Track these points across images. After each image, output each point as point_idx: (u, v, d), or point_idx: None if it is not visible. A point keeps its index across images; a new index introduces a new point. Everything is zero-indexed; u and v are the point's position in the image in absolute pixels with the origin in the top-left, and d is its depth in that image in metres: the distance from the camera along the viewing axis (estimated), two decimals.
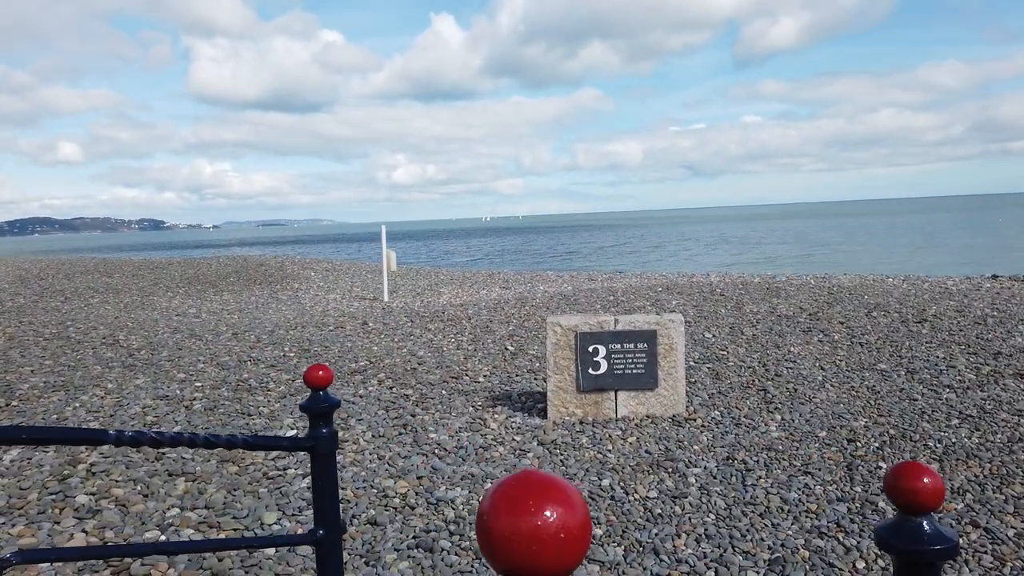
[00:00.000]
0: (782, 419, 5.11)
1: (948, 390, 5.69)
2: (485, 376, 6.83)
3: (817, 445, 4.56)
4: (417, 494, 4.19)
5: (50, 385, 7.26)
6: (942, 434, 4.73)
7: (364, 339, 9.14)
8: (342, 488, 4.39)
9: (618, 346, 5.24)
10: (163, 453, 5.16)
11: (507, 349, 8.05)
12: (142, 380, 7.35)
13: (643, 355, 5.24)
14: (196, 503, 4.24)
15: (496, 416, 5.55)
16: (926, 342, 7.43)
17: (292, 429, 5.57)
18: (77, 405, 6.48)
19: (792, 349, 7.29)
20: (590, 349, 5.25)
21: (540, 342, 8.35)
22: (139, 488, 4.53)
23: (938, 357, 6.79)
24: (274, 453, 5.01)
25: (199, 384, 7.09)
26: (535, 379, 6.61)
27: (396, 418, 5.68)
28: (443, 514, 3.89)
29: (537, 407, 5.71)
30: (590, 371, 5.26)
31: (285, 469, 4.72)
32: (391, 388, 6.61)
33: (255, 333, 9.98)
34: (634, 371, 5.25)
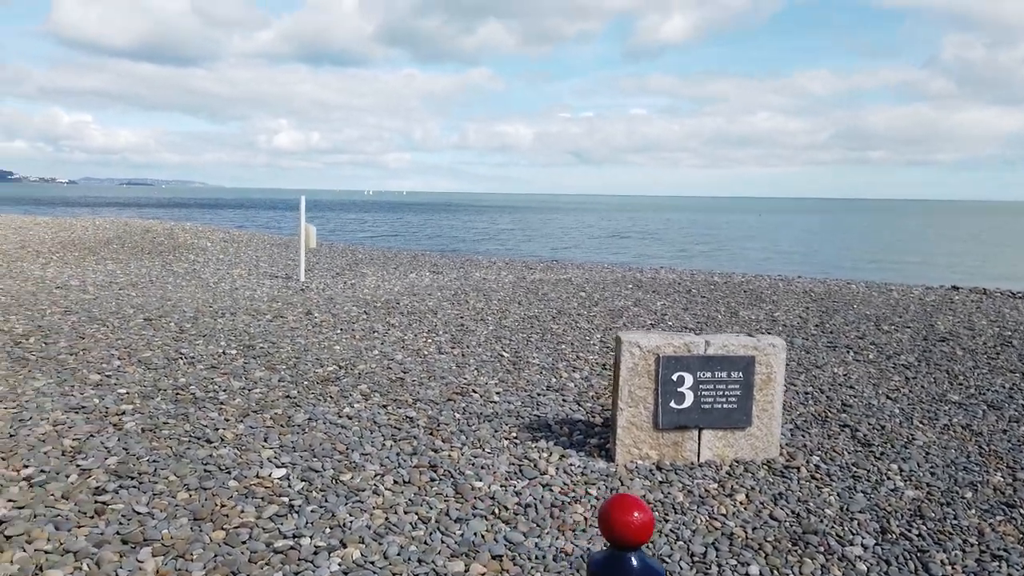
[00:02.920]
0: (899, 469, 4.32)
1: None
2: (499, 394, 5.68)
3: (973, 511, 3.78)
4: None
5: None
6: None
7: (316, 335, 7.71)
8: (378, 569, 3.16)
9: (708, 374, 4.26)
10: (105, 501, 3.71)
11: (502, 356, 6.91)
12: (42, 382, 5.67)
13: (737, 386, 4.29)
14: None
15: (544, 454, 4.44)
16: (971, 366, 6.98)
17: (279, 467, 4.22)
18: None
19: (835, 371, 6.60)
20: (674, 377, 4.24)
21: (537, 348, 7.25)
22: (82, 569, 3.11)
23: (1000, 385, 6.30)
24: (269, 509, 3.69)
25: (123, 392, 5.52)
26: (563, 401, 5.53)
27: (412, 453, 4.45)
28: None
29: (588, 443, 4.65)
30: (672, 404, 4.26)
31: (296, 537, 3.42)
32: (385, 407, 5.34)
33: (173, 319, 8.28)
34: (725, 405, 4.29)
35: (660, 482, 4.08)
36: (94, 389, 5.55)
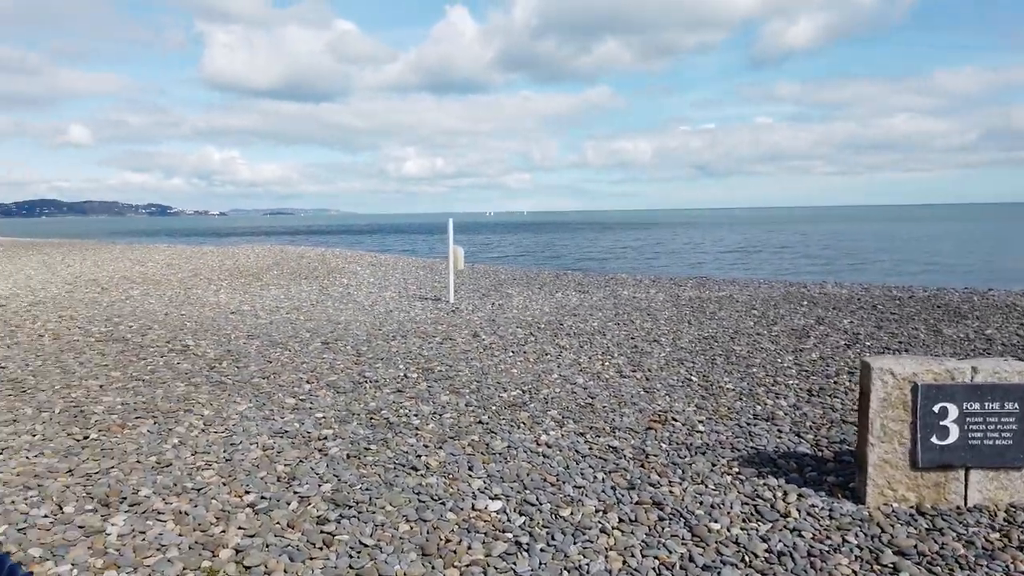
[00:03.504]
0: None
1: None
2: (702, 423, 5.29)
3: None
4: None
5: (130, 408, 5.75)
6: None
7: (489, 357, 7.60)
8: None
9: (976, 405, 3.70)
10: (331, 532, 3.64)
11: (691, 380, 6.51)
12: (244, 406, 5.84)
13: (1011, 419, 3.70)
14: None
15: (778, 493, 4.02)
16: None
17: (493, 499, 4.04)
18: (176, 441, 4.97)
19: None
20: (936, 409, 3.71)
21: (725, 371, 6.79)
22: None
23: None
24: (497, 546, 3.49)
25: (320, 416, 5.57)
26: (779, 432, 5.06)
27: (630, 488, 4.15)
28: None
29: (825, 480, 4.17)
30: (934, 439, 3.72)
31: None
32: (582, 435, 5.07)
33: (348, 343, 8.45)
34: (997, 441, 3.71)
35: (927, 529, 3.55)
36: (292, 413, 5.65)
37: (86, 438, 5.03)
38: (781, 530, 3.58)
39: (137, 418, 5.48)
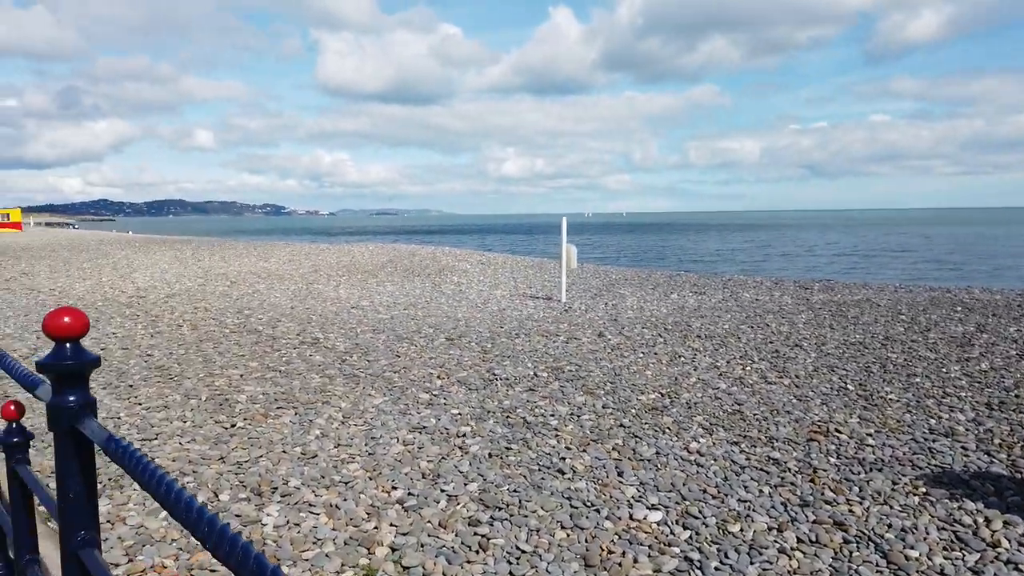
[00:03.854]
0: None
1: None
2: (870, 436, 4.81)
3: None
4: None
5: (270, 398, 5.83)
6: None
7: (619, 358, 7.32)
8: None
9: None
10: (485, 535, 3.47)
11: (846, 388, 5.99)
12: (379, 399, 5.81)
13: None
14: None
15: (978, 518, 3.55)
16: None
17: (651, 508, 3.77)
18: (318, 433, 4.97)
19: None
20: None
21: (883, 380, 6.22)
22: None
23: None
24: (667, 561, 3.22)
25: (456, 412, 5.46)
26: (964, 450, 4.52)
27: (803, 505, 3.77)
28: None
29: None
30: None
31: None
32: (736, 444, 4.72)
33: (472, 339, 8.37)
34: None
35: None
36: (427, 408, 5.57)
37: (233, 426, 5.12)
38: (993, 561, 3.14)
39: (279, 408, 5.54)
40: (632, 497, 3.92)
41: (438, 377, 6.53)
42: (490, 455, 4.57)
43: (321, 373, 6.68)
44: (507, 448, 4.69)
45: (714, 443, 4.74)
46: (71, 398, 1.31)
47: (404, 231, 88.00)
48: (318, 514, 3.72)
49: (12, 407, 1.91)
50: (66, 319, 1.29)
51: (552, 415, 5.38)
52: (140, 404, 5.68)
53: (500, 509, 3.78)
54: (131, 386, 6.24)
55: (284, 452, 4.62)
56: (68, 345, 1.30)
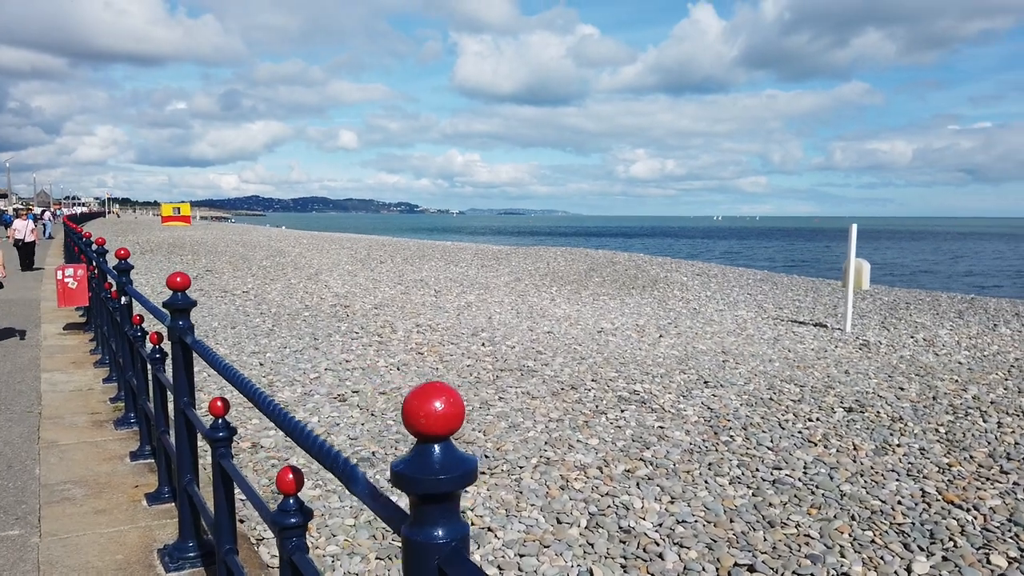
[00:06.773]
0: None
1: None
2: None
3: None
4: None
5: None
6: None
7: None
8: None
9: None
10: None
11: None
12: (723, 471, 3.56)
13: None
14: None
15: None
16: None
17: None
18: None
19: None
20: None
21: None
22: None
23: None
24: None
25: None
26: None
27: None
28: None
29: None
30: None
31: None
32: None
33: (822, 398, 6.00)
34: None
35: None
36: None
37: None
38: None
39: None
40: None
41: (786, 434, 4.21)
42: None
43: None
44: None
45: None
46: (180, 323, 2.48)
47: (558, 232, 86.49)
48: None
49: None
50: (178, 279, 2.50)
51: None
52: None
53: None
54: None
55: None
56: (179, 293, 2.50)
